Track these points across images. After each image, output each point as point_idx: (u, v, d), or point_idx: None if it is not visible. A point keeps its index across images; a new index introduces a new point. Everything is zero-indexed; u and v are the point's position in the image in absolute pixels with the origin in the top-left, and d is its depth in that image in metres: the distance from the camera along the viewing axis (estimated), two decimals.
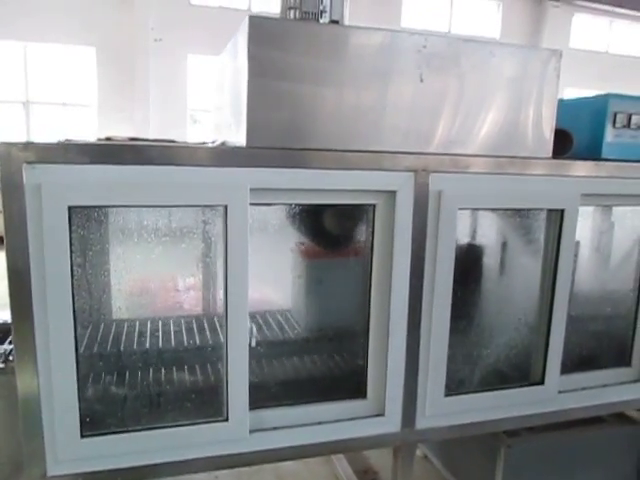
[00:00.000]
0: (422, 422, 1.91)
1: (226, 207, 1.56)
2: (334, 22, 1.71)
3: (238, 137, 1.68)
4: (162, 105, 11.93)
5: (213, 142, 2.13)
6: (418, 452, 2.76)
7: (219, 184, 1.56)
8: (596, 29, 14.48)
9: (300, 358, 1.96)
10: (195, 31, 11.67)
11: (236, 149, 1.62)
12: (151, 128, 11.80)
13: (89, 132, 11.80)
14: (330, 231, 1.89)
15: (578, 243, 2.25)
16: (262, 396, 1.80)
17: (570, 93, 13.62)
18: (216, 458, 1.70)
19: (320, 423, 1.82)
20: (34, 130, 12.31)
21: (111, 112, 12.10)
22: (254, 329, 1.69)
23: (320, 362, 1.97)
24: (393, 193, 1.73)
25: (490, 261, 2.06)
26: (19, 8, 11.30)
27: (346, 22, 1.75)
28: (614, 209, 2.26)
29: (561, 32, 13.93)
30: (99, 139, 2.20)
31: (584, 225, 2.21)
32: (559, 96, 1.92)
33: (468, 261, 1.97)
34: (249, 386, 1.70)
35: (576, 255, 2.23)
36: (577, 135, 2.00)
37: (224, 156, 1.57)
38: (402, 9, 13.67)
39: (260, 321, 1.92)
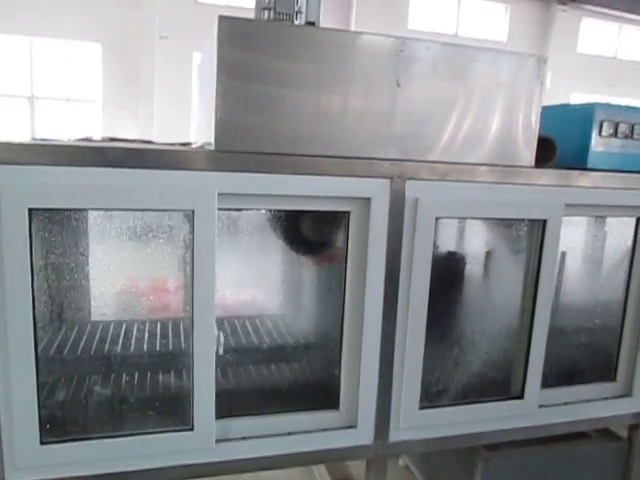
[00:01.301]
0: (396, 435, 1.86)
1: (193, 212, 1.52)
2: (310, 24, 1.66)
3: (210, 140, 1.64)
4: (167, 102, 11.93)
5: (193, 144, 2.10)
6: (400, 462, 2.72)
7: (186, 188, 1.52)
8: (605, 34, 14.35)
9: (272, 366, 1.92)
10: (201, 29, 11.63)
11: (204, 152, 1.58)
12: (155, 125, 11.81)
13: (93, 129, 11.83)
14: (306, 238, 1.85)
15: (564, 254, 2.20)
16: (231, 405, 1.76)
17: (577, 98, 13.51)
18: (181, 468, 1.66)
19: (290, 434, 1.78)
20: (38, 125, 12.35)
21: (116, 109, 12.11)
22: (222, 336, 1.65)
23: (293, 371, 1.93)
24: (367, 200, 1.69)
25: (470, 272, 2.01)
26: (25, 3, 11.34)
27: (321, 24, 1.71)
28: (600, 220, 2.20)
29: (569, 37, 13.82)
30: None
31: (570, 236, 2.16)
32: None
33: (446, 271, 1.92)
34: (217, 394, 1.66)
35: (561, 266, 2.18)
36: (563, 143, 1.95)
37: (192, 159, 1.53)
38: (409, 12, 13.61)
39: (230, 328, 1.88)
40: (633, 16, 13.39)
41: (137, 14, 11.60)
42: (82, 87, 12.45)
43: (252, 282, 1.88)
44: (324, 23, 1.79)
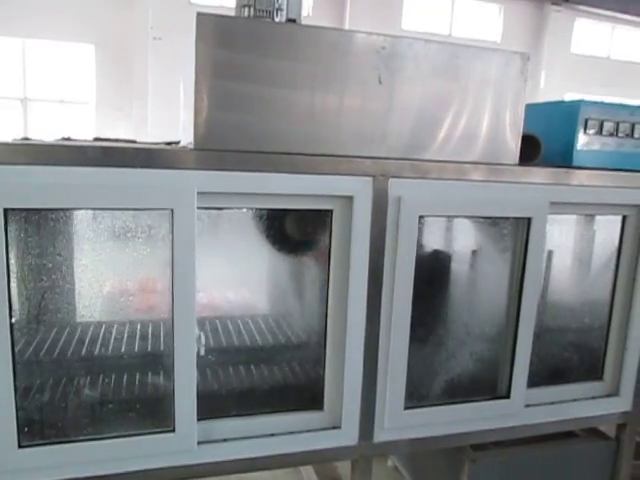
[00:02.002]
0: (381, 435, 1.84)
1: (172, 211, 1.51)
2: (291, 21, 1.65)
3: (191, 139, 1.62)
4: (161, 103, 11.89)
5: (179, 143, 2.08)
6: (389, 463, 2.71)
7: (164, 187, 1.50)
8: (598, 35, 14.39)
9: (256, 367, 1.90)
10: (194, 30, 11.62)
11: (183, 151, 1.56)
12: (149, 126, 11.78)
13: (87, 130, 11.79)
14: (291, 237, 1.83)
15: (551, 253, 2.19)
16: (213, 406, 1.74)
17: (571, 98, 13.53)
18: (162, 470, 1.64)
19: (273, 435, 1.76)
20: (32, 127, 12.31)
21: (109, 110, 12.08)
22: (203, 337, 1.63)
23: (276, 372, 1.91)
24: (350, 199, 1.67)
25: (455, 270, 1.99)
26: (18, 4, 11.29)
27: (303, 21, 1.69)
28: (587, 219, 2.19)
29: (563, 37, 13.85)
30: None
31: (557, 234, 2.15)
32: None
33: (431, 270, 1.90)
34: (199, 396, 1.64)
35: (548, 265, 2.18)
36: (548, 141, 1.94)
37: (170, 158, 1.51)
38: (403, 12, 13.62)
39: (213, 328, 1.86)
40: (626, 16, 13.44)
41: (130, 15, 11.57)
42: (75, 88, 12.41)
43: (235, 282, 1.86)
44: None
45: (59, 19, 11.73)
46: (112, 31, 11.74)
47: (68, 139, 2.02)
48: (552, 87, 13.32)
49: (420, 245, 1.86)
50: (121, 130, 11.06)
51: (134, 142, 2.10)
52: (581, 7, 13.44)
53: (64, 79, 12.43)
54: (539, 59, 13.78)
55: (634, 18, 13.51)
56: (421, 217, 1.89)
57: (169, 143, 2.11)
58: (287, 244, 1.82)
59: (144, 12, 11.57)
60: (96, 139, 2.11)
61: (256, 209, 1.72)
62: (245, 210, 1.70)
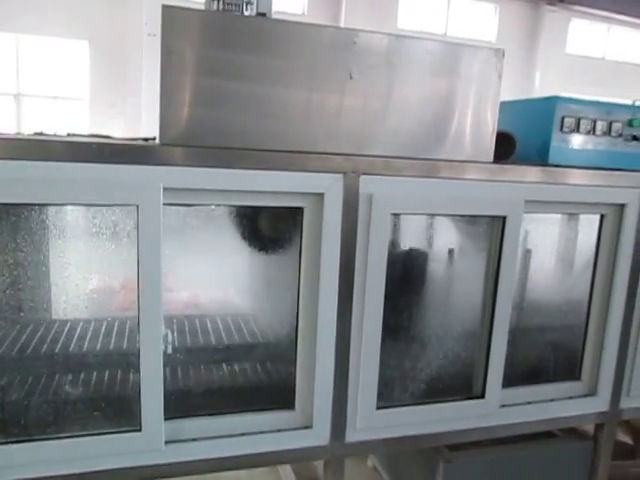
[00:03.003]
0: (353, 435, 1.82)
1: (137, 207, 1.48)
2: (261, 15, 1.62)
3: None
4: (155, 100, 11.79)
5: (154, 139, 2.05)
6: (369, 463, 2.69)
7: (129, 183, 1.48)
8: (593, 35, 14.39)
9: (226, 366, 1.88)
10: None
11: (148, 146, 1.54)
12: (144, 123, 11.74)
13: (80, 127, 11.73)
14: (263, 234, 1.81)
15: (529, 252, 2.18)
16: (182, 405, 1.72)
17: None
18: (128, 470, 1.62)
19: (244, 434, 1.74)
20: (25, 123, 12.26)
21: (103, 107, 12.03)
22: (170, 335, 1.61)
23: (248, 370, 1.89)
24: (320, 196, 1.65)
25: (429, 269, 1.98)
26: (12, 0, 11.23)
27: (273, 15, 1.67)
28: (566, 218, 2.18)
29: (558, 37, 13.85)
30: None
31: (535, 233, 2.13)
32: None
33: (405, 268, 1.89)
34: (168, 395, 1.62)
35: (526, 264, 2.16)
36: (524, 139, 1.92)
37: (135, 153, 1.49)
38: (398, 12, 13.60)
39: (182, 326, 1.83)
40: (622, 17, 13.44)
41: (125, 12, 11.52)
42: (69, 85, 12.35)
43: (206, 280, 1.84)
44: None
45: (53, 15, 11.67)
46: (106, 27, 11.69)
47: (40, 134, 2.00)
48: (547, 87, 13.33)
49: (393, 243, 1.84)
50: (115, 127, 11.02)
51: (109, 137, 2.08)
52: (576, 7, 13.44)
53: (58, 75, 12.38)
54: (534, 59, 13.79)
55: (629, 19, 13.52)
56: (395, 215, 1.88)
57: (146, 139, 2.09)
58: (259, 242, 1.80)
59: (138, 8, 11.51)
60: (69, 134, 2.08)
61: (226, 206, 1.70)
62: (214, 207, 1.67)
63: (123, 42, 11.64)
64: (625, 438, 2.97)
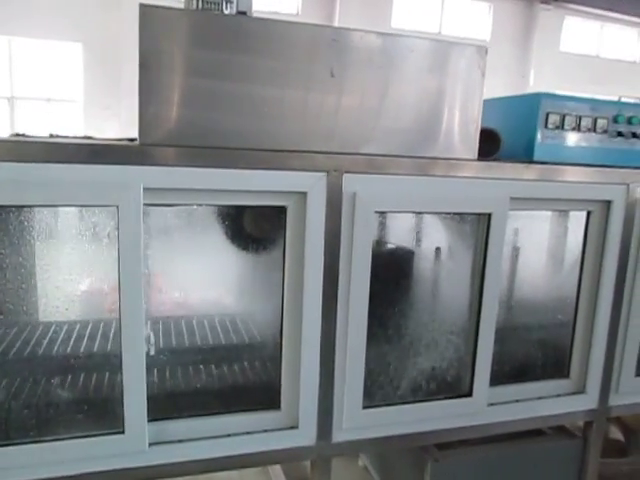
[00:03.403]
0: (339, 435, 1.82)
1: (117, 207, 1.47)
2: (241, 13, 1.61)
3: None
4: None
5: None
6: (360, 462, 2.68)
7: (109, 183, 1.46)
8: (587, 33, 14.42)
9: (211, 366, 1.87)
10: None
11: (127, 146, 1.53)
12: (137, 126, 11.69)
13: (75, 129, 11.70)
14: (247, 233, 1.80)
15: (517, 249, 2.17)
16: (167, 407, 1.71)
17: None
18: (112, 472, 1.61)
19: (229, 435, 1.73)
20: (18, 126, 12.22)
21: (97, 109, 12.00)
22: (152, 336, 1.60)
23: (233, 371, 1.88)
24: (303, 194, 1.64)
25: (416, 267, 1.97)
26: (4, 2, 11.20)
27: (253, 13, 1.66)
28: (554, 215, 2.17)
29: (552, 35, 13.89)
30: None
31: (523, 230, 2.13)
32: None
33: (390, 266, 1.88)
34: (152, 396, 1.61)
35: (514, 262, 2.16)
36: (509, 136, 1.91)
37: (114, 153, 1.48)
38: (392, 11, 13.61)
39: (167, 328, 1.82)
40: (615, 15, 13.47)
41: (119, 14, 11.49)
42: (63, 87, 12.32)
43: (190, 281, 1.82)
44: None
45: (46, 17, 11.63)
46: (100, 29, 11.67)
47: (22, 135, 1.99)
48: (542, 85, 13.34)
49: (378, 242, 1.84)
50: (110, 129, 11.00)
51: (90, 138, 2.07)
52: (570, 5, 13.48)
53: (51, 78, 12.34)
54: (528, 57, 13.81)
55: (622, 16, 13.56)
56: (381, 213, 1.88)
57: (132, 139, 2.08)
58: (243, 241, 1.79)
59: (132, 11, 11.41)
60: (51, 135, 2.07)
61: (209, 206, 1.69)
62: (196, 207, 1.66)
63: (117, 44, 11.62)
64: (618, 435, 2.98)
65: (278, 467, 2.50)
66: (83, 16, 11.49)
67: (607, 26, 14.39)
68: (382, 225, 1.93)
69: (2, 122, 11.78)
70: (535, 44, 13.72)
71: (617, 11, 13.26)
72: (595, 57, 14.53)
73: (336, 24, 12.49)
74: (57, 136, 2.09)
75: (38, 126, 11.70)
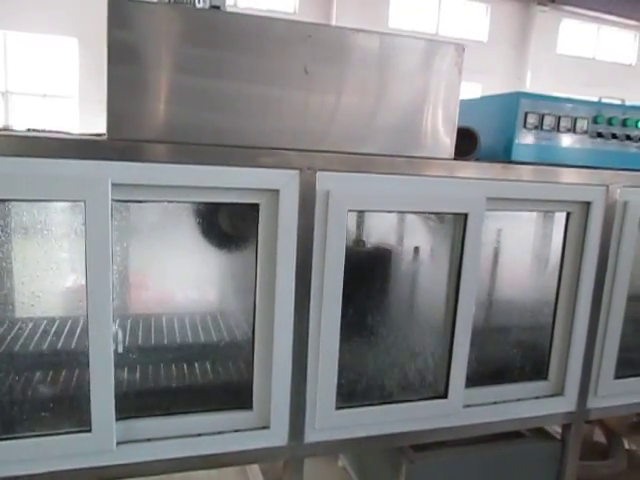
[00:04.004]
0: (312, 436, 1.80)
1: (85, 202, 1.45)
2: (214, 7, 1.59)
3: None
4: None
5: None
6: (339, 463, 2.67)
7: (75, 178, 1.44)
8: (584, 35, 14.43)
9: (182, 365, 1.85)
10: None
11: (94, 141, 1.51)
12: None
13: (70, 125, 11.66)
14: (220, 231, 1.78)
15: (497, 249, 2.16)
16: (137, 405, 1.69)
17: None
18: (78, 471, 1.59)
19: (200, 435, 1.71)
20: (13, 121, 12.19)
21: (93, 104, 11.94)
22: (120, 334, 1.58)
23: (205, 369, 1.86)
24: (276, 192, 1.62)
25: (392, 266, 1.95)
26: None
27: (227, 8, 1.64)
28: (533, 215, 2.15)
29: (549, 37, 13.90)
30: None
31: (502, 231, 2.12)
32: None
33: (365, 265, 1.86)
34: (121, 394, 1.60)
35: (494, 262, 2.14)
36: (487, 136, 1.90)
37: (81, 148, 1.46)
38: (390, 11, 13.60)
39: (138, 325, 1.80)
40: (611, 17, 13.48)
41: None
42: (59, 83, 12.28)
43: (160, 277, 1.80)
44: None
45: (42, 11, 11.58)
46: (96, 24, 11.55)
47: (5, 129, 1.96)
48: (538, 87, 13.35)
49: (353, 240, 1.82)
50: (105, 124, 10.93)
51: (68, 133, 2.04)
52: (567, 8, 13.48)
53: (47, 73, 12.29)
54: (525, 59, 13.81)
55: (619, 19, 13.57)
56: (360, 212, 1.86)
57: (101, 134, 2.05)
58: (216, 239, 1.78)
59: None
60: (29, 129, 2.05)
61: (181, 202, 1.66)
62: (167, 204, 1.64)
63: None
64: (603, 438, 2.97)
65: (256, 467, 2.48)
66: (79, 10, 11.43)
67: (604, 29, 14.40)
68: (358, 224, 1.92)
69: None
70: (532, 46, 13.73)
71: (614, 14, 13.27)
72: (591, 59, 14.54)
73: (333, 24, 12.47)
74: (34, 130, 2.06)
75: (33, 121, 11.63)
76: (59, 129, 2.24)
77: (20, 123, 11.51)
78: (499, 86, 12.09)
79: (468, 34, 13.75)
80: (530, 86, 13.74)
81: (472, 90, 12.10)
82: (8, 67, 12.22)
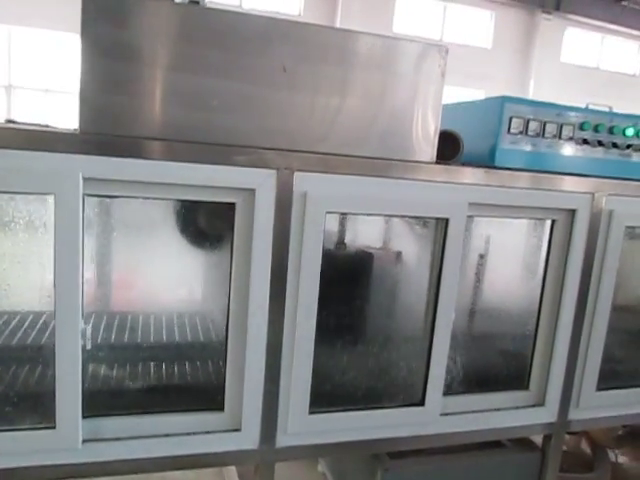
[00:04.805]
0: (283, 440, 1.77)
1: (55, 195, 1.43)
2: (194, 2, 1.57)
3: None
4: None
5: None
6: (319, 468, 2.64)
7: (46, 170, 1.42)
8: (588, 44, 14.40)
9: (154, 364, 1.82)
10: None
11: (66, 134, 1.48)
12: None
13: (71, 119, 11.63)
14: (196, 230, 1.75)
15: (482, 256, 2.13)
16: (105, 403, 1.67)
17: None
18: (42, 468, 1.57)
19: (168, 435, 1.68)
20: (16, 115, 12.14)
21: None
22: (89, 330, 1.56)
23: (176, 369, 1.83)
24: (252, 191, 1.60)
25: (370, 270, 1.93)
26: None
27: (207, 3, 1.61)
28: (518, 223, 2.12)
29: (553, 45, 13.87)
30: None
31: (486, 238, 2.09)
32: None
33: (342, 268, 1.83)
34: (89, 392, 1.58)
35: (478, 269, 2.11)
36: (471, 141, 1.87)
37: (52, 141, 1.43)
38: (394, 16, 13.60)
39: (108, 322, 1.77)
40: (616, 27, 13.45)
41: None
42: (61, 78, 12.28)
43: (133, 275, 1.78)
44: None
45: (46, 7, 11.59)
46: None
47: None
48: (541, 95, 13.32)
49: (331, 242, 1.80)
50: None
51: (48, 126, 2.02)
52: (571, 16, 13.46)
53: (50, 68, 12.30)
54: (529, 67, 13.79)
55: (623, 29, 13.54)
56: (343, 215, 1.84)
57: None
58: (191, 237, 1.75)
59: None
60: (8, 121, 2.02)
61: (155, 199, 1.64)
62: (142, 200, 1.61)
63: None
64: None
65: (233, 469, 2.45)
66: None
67: (608, 38, 14.37)
68: (340, 227, 1.89)
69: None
70: (536, 53, 13.71)
71: (618, 23, 13.24)
72: (595, 69, 14.50)
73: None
74: (13, 122, 2.04)
75: (35, 115, 11.64)
76: (53, 123, 2.22)
77: (22, 117, 11.50)
78: (502, 93, 12.05)
79: (472, 41, 13.74)
80: (533, 94, 13.71)
81: (475, 97, 12.07)
82: (12, 61, 12.24)
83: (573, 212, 1.96)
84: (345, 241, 1.95)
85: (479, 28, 13.91)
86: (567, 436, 2.94)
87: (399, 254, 1.97)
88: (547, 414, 2.11)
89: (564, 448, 2.96)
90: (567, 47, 14.07)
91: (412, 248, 1.95)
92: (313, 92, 1.63)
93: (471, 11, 13.83)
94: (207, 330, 1.85)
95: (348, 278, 1.88)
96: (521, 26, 13.66)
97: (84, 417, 1.57)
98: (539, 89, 13.65)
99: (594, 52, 14.39)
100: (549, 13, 13.37)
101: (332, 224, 1.86)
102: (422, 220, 1.88)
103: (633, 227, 2.04)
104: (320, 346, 1.74)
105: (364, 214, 1.78)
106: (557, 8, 13.27)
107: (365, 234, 1.98)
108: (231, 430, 1.73)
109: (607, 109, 1.99)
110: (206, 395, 1.77)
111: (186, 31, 1.51)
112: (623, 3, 13.12)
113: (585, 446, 2.95)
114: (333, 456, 2.07)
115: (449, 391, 1.95)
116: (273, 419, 1.74)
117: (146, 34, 1.47)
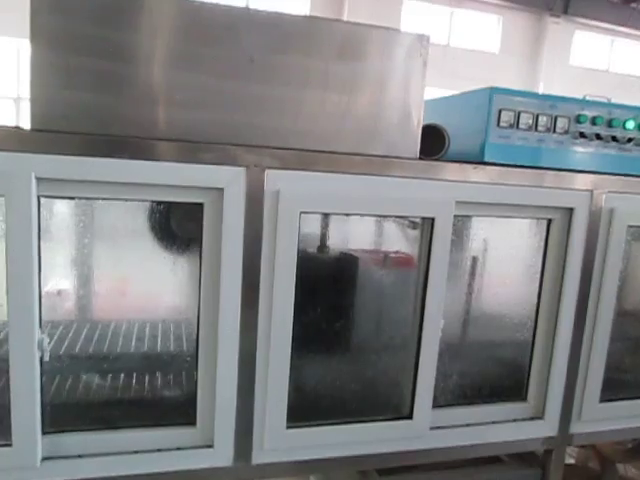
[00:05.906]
0: (260, 457, 1.66)
1: (4, 197, 1.34)
2: None
3: None
4: None
5: None
6: None
7: None
8: (597, 47, 14.21)
9: (121, 376, 1.72)
10: None
11: (15, 132, 1.40)
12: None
13: None
14: (163, 232, 1.65)
15: (475, 259, 2.01)
16: (68, 419, 1.57)
17: None
18: None
19: (136, 452, 1.57)
20: (24, 125, 12.24)
21: None
22: (47, 341, 1.46)
23: (145, 382, 1.73)
24: (220, 191, 1.49)
25: (353, 274, 1.81)
26: (13, 4, 11.27)
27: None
28: (515, 223, 2.00)
29: (562, 48, 13.70)
30: None
31: (480, 239, 1.97)
32: None
33: (321, 272, 1.73)
34: (49, 406, 1.49)
35: (471, 273, 1.99)
36: (458, 136, 1.75)
37: (1, 139, 1.34)
38: (401, 22, 13.54)
39: (70, 331, 1.68)
40: (625, 29, 13.26)
41: None
42: None
43: (97, 281, 1.67)
44: None
45: None
46: None
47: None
48: None
49: (310, 245, 1.69)
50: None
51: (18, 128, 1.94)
52: (580, 19, 13.30)
53: None
54: (538, 70, 13.63)
55: (633, 31, 13.34)
56: (323, 215, 1.73)
57: None
58: (158, 241, 1.65)
59: None
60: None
61: (118, 200, 1.54)
62: (102, 201, 1.52)
63: None
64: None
65: None
66: None
67: (617, 41, 14.16)
68: (317, 227, 1.78)
69: (9, 122, 11.81)
70: (544, 57, 13.54)
71: (628, 26, 13.04)
72: (605, 71, 14.29)
73: None
74: None
75: None
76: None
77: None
78: None
79: (480, 46, 13.62)
80: None
81: None
82: (21, 74, 12.37)
83: (570, 211, 1.84)
84: (326, 243, 1.84)
85: (486, 33, 13.79)
86: (576, 449, 2.80)
87: (385, 257, 1.85)
88: (547, 427, 1.97)
89: (572, 462, 2.83)
90: (576, 50, 13.89)
91: (399, 250, 1.83)
92: (284, 84, 1.53)
93: (478, 16, 13.72)
94: (178, 339, 1.75)
95: (329, 283, 1.76)
96: (529, 30, 13.51)
97: (44, 433, 1.48)
98: (548, 92, 13.49)
99: (604, 55, 14.18)
100: (557, 17, 13.21)
101: (311, 225, 1.75)
102: (408, 220, 1.76)
103: (636, 226, 1.91)
104: (298, 356, 1.63)
105: (342, 214, 1.68)
106: (565, 12, 13.11)
107: (347, 235, 1.87)
108: (204, 446, 1.63)
109: (605, 100, 1.86)
110: (177, 409, 1.66)
111: (143, 20, 1.42)
112: (632, 5, 12.94)
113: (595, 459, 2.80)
114: (319, 473, 1.94)
115: (440, 403, 1.83)
116: (248, 434, 1.63)
117: (98, 24, 1.38)
